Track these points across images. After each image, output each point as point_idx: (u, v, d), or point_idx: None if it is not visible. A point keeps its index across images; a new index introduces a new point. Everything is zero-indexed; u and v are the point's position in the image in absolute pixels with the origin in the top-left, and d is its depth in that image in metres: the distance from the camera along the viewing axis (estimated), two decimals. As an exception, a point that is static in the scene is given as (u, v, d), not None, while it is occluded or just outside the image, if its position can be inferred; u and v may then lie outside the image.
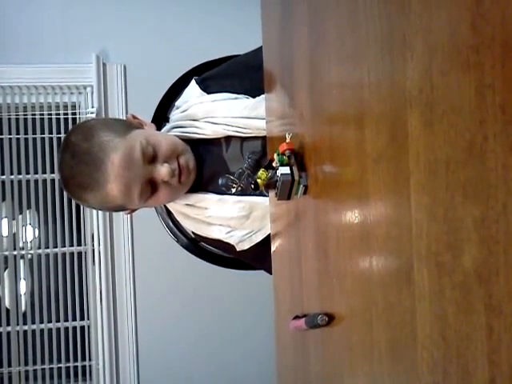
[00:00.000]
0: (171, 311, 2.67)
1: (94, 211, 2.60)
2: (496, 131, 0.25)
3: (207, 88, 1.11)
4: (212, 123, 1.07)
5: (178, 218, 1.20)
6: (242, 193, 1.08)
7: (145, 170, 0.98)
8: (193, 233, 1.22)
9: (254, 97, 1.06)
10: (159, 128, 1.17)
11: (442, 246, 0.31)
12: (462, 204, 0.29)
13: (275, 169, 0.66)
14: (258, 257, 1.16)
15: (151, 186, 1.00)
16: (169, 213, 1.28)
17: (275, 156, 0.66)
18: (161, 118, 1.31)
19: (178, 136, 1.09)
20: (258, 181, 0.68)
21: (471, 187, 0.28)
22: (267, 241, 1.07)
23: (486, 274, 0.27)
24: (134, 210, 1.12)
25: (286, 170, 0.64)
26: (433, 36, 0.32)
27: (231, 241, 1.11)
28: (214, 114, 1.07)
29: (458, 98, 0.29)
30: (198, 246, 1.32)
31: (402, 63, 0.36)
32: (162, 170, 0.98)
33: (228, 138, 1.08)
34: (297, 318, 0.68)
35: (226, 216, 1.08)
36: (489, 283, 0.27)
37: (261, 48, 0.97)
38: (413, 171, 0.35)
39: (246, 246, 1.10)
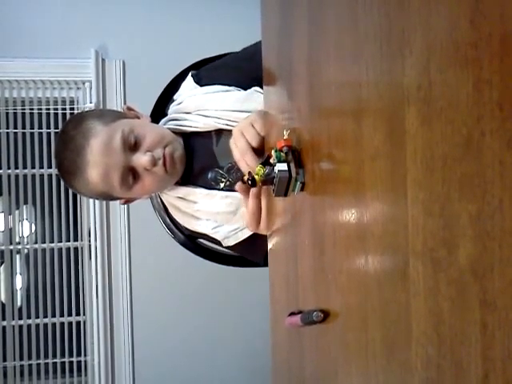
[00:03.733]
0: (167, 307, 2.67)
1: (91, 206, 2.60)
2: (493, 127, 0.25)
3: (200, 81, 1.11)
4: (203, 116, 1.07)
5: (170, 211, 1.21)
6: (230, 188, 1.08)
7: (124, 157, 0.98)
8: (184, 226, 1.22)
9: (245, 89, 1.06)
10: (157, 122, 1.17)
11: (437, 241, 0.31)
12: (458, 200, 0.29)
13: (272, 165, 0.66)
14: (245, 251, 1.17)
15: (133, 175, 1.01)
16: (166, 209, 1.28)
17: (273, 152, 0.66)
18: (159, 113, 1.31)
19: (171, 128, 1.09)
20: (256, 177, 0.68)
21: (468, 183, 0.28)
22: (253, 237, 1.07)
23: (481, 269, 0.27)
24: (128, 201, 1.13)
25: (283, 166, 0.64)
26: (431, 32, 0.32)
27: (217, 236, 1.11)
28: (205, 106, 1.07)
29: (456, 94, 0.29)
30: (195, 243, 1.32)
31: (400, 59, 0.36)
32: (143, 159, 0.99)
33: (219, 132, 1.09)
34: (292, 314, 0.68)
35: (214, 211, 1.09)
36: (484, 279, 0.27)
37: (257, 42, 0.97)
38: (409, 168, 0.35)
39: (231, 242, 1.11)
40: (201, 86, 1.11)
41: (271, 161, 0.67)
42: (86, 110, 2.53)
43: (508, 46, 0.24)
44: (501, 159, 0.25)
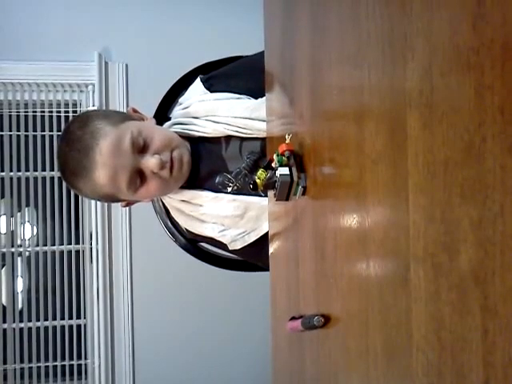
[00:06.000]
0: (168, 310, 2.67)
1: (93, 209, 2.60)
2: (494, 132, 0.25)
3: (211, 87, 1.11)
4: (213, 122, 1.07)
5: (173, 214, 1.20)
6: (238, 192, 1.08)
7: (133, 159, 0.98)
8: (186, 230, 1.22)
9: (256, 98, 1.06)
10: (160, 125, 1.17)
11: (438, 247, 0.31)
12: (459, 205, 0.29)
13: (274, 169, 0.66)
14: (250, 255, 1.16)
15: (140, 177, 1.00)
16: (167, 212, 1.28)
17: (274, 156, 0.66)
18: (162, 116, 1.31)
19: (178, 132, 1.09)
20: (257, 181, 0.68)
21: (469, 188, 0.28)
22: (260, 240, 1.07)
23: (482, 275, 0.27)
24: (130, 203, 1.12)
25: (285, 170, 0.64)
26: (434, 37, 0.32)
27: (224, 240, 1.11)
28: (215, 112, 1.07)
29: (458, 98, 0.29)
30: (196, 247, 1.32)
31: (402, 64, 0.36)
32: (151, 161, 0.98)
33: (228, 138, 1.08)
34: (293, 319, 0.68)
35: (220, 214, 1.08)
36: (485, 284, 0.27)
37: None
38: (411, 172, 0.35)
39: (238, 245, 1.10)
40: (211, 92, 1.11)
41: (273, 165, 0.67)
42: (89, 109, 2.53)
43: (510, 51, 0.24)
44: (502, 164, 0.25)
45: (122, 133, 0.98)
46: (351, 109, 0.47)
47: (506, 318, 0.25)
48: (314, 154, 0.60)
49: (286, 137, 0.66)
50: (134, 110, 1.12)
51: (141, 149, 0.99)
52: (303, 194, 0.64)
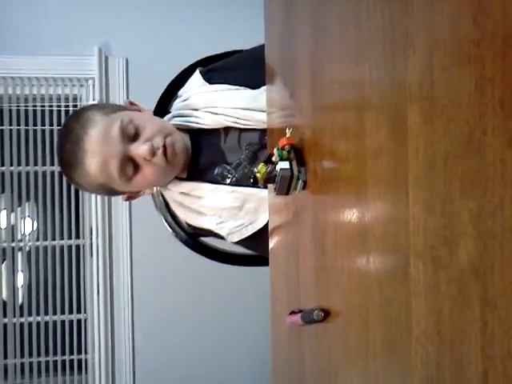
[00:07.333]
0: (168, 305, 2.68)
1: (93, 204, 2.60)
2: (495, 125, 0.25)
3: (210, 79, 1.11)
4: (212, 113, 1.07)
5: (172, 207, 1.20)
6: (237, 184, 1.08)
7: (122, 146, 0.97)
8: (186, 223, 1.22)
9: (255, 89, 1.06)
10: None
11: (438, 240, 0.31)
12: (459, 198, 0.29)
13: (275, 163, 0.66)
14: (248, 247, 1.16)
15: (134, 165, 1.00)
16: (168, 207, 1.28)
17: (275, 151, 0.66)
18: (163, 110, 1.31)
19: (178, 125, 1.09)
20: (257, 175, 0.68)
21: (469, 181, 0.28)
22: (258, 233, 1.07)
23: (482, 268, 0.27)
24: (131, 196, 1.12)
25: (285, 164, 0.64)
26: (435, 31, 0.32)
27: (221, 232, 1.11)
28: (214, 104, 1.07)
29: (458, 92, 0.29)
30: (197, 241, 1.32)
31: (403, 58, 0.36)
32: (141, 148, 0.98)
33: (227, 129, 1.09)
34: (293, 313, 0.68)
35: (219, 206, 1.08)
36: (484, 278, 0.27)
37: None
38: (411, 166, 0.35)
39: (235, 238, 1.10)
40: (210, 84, 1.11)
41: (273, 159, 0.67)
42: (88, 104, 2.53)
43: (511, 44, 0.24)
44: (502, 157, 0.25)
45: (112, 121, 0.98)
46: (352, 103, 0.47)
47: (505, 310, 0.25)
48: (315, 148, 0.60)
49: (287, 131, 0.66)
50: (132, 103, 1.12)
51: (132, 137, 0.99)
52: (303, 188, 0.64)
